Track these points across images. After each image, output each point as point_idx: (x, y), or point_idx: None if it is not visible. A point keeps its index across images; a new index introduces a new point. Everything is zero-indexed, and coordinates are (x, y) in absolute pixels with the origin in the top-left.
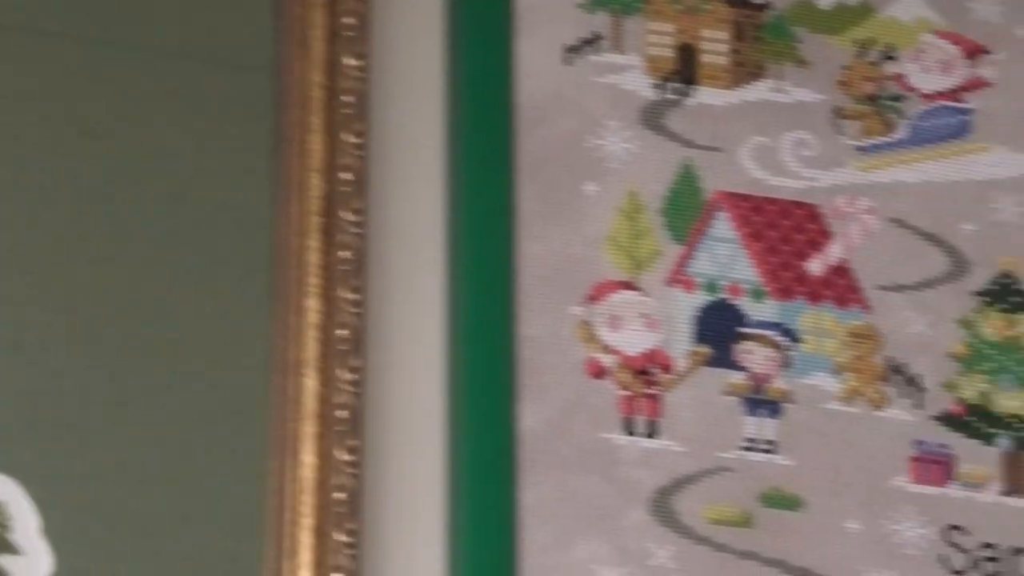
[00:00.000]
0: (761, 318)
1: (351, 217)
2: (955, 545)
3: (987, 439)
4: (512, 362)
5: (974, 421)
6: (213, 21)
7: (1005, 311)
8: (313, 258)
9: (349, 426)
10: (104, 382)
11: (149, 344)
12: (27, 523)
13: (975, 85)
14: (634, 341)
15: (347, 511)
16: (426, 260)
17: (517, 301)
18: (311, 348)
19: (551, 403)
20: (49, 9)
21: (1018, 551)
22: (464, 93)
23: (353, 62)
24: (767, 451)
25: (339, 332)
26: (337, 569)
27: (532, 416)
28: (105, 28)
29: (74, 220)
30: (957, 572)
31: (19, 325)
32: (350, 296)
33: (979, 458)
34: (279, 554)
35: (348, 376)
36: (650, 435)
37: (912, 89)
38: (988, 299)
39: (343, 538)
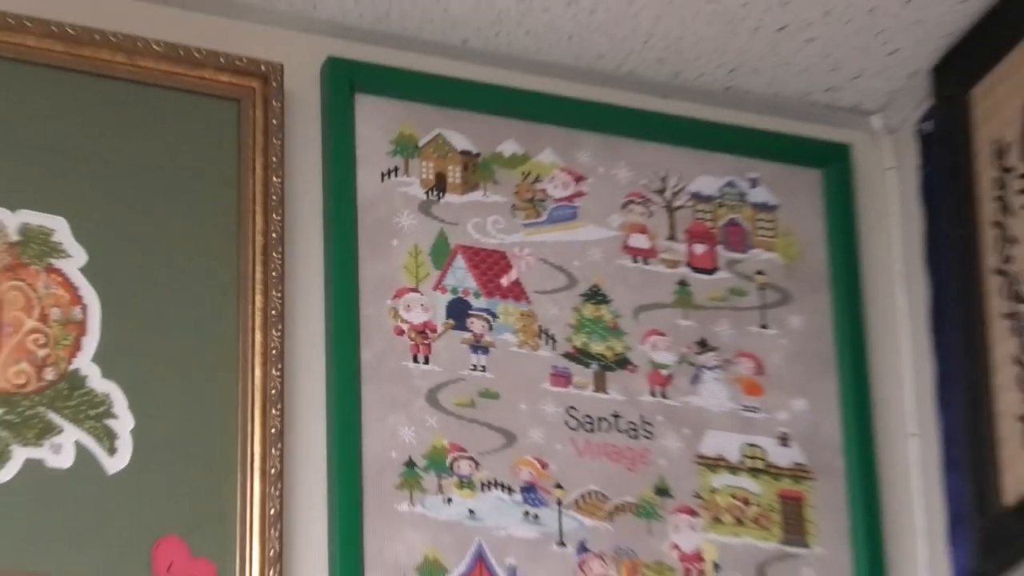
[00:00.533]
0: (479, 306)
1: (277, 256)
2: (572, 416)
3: (586, 365)
4: (358, 328)
5: (580, 356)
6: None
7: (594, 303)
8: (258, 276)
9: (278, 359)
10: None
11: None
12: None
13: (578, 195)
14: (417, 317)
15: (276, 398)
16: (315, 282)
17: (360, 299)
18: (258, 318)
19: (377, 347)
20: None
21: (601, 419)
22: (332, 198)
23: (275, 180)
24: (482, 371)
25: (272, 313)
26: (272, 426)
27: (368, 354)
28: (107, 148)
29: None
30: (572, 428)
31: None
32: (277, 295)
33: (583, 374)
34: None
35: (276, 335)
36: (425, 363)
37: (549, 196)
38: (585, 298)
39: (275, 412)
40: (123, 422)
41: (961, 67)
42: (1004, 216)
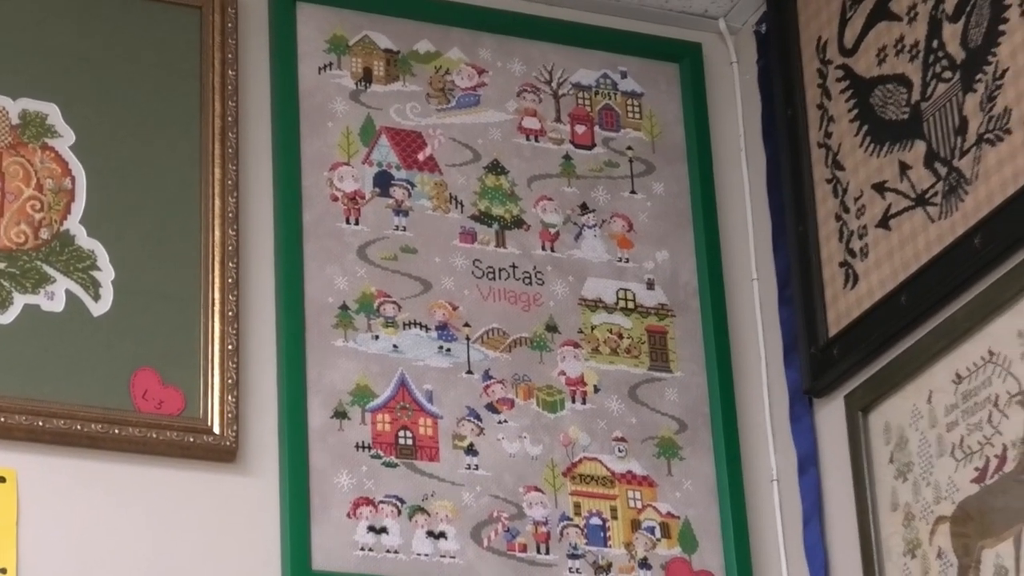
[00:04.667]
0: (399, 177)
1: (232, 137)
2: (478, 267)
3: (488, 224)
4: (299, 195)
5: (484, 218)
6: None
7: (494, 174)
8: (217, 160)
9: (234, 219)
10: None
11: None
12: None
13: (480, 85)
14: (349, 186)
15: (233, 251)
16: (263, 156)
17: (302, 171)
18: (219, 202)
19: (316, 211)
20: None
21: (500, 269)
22: (277, 87)
23: (230, 73)
24: (403, 230)
25: (228, 183)
26: (230, 276)
27: (308, 216)
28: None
29: None
30: (477, 277)
31: None
32: (232, 169)
33: (485, 233)
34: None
35: (232, 201)
36: (356, 224)
37: (456, 86)
38: (487, 169)
39: (231, 265)
40: (106, 274)
41: None
42: (825, 99)
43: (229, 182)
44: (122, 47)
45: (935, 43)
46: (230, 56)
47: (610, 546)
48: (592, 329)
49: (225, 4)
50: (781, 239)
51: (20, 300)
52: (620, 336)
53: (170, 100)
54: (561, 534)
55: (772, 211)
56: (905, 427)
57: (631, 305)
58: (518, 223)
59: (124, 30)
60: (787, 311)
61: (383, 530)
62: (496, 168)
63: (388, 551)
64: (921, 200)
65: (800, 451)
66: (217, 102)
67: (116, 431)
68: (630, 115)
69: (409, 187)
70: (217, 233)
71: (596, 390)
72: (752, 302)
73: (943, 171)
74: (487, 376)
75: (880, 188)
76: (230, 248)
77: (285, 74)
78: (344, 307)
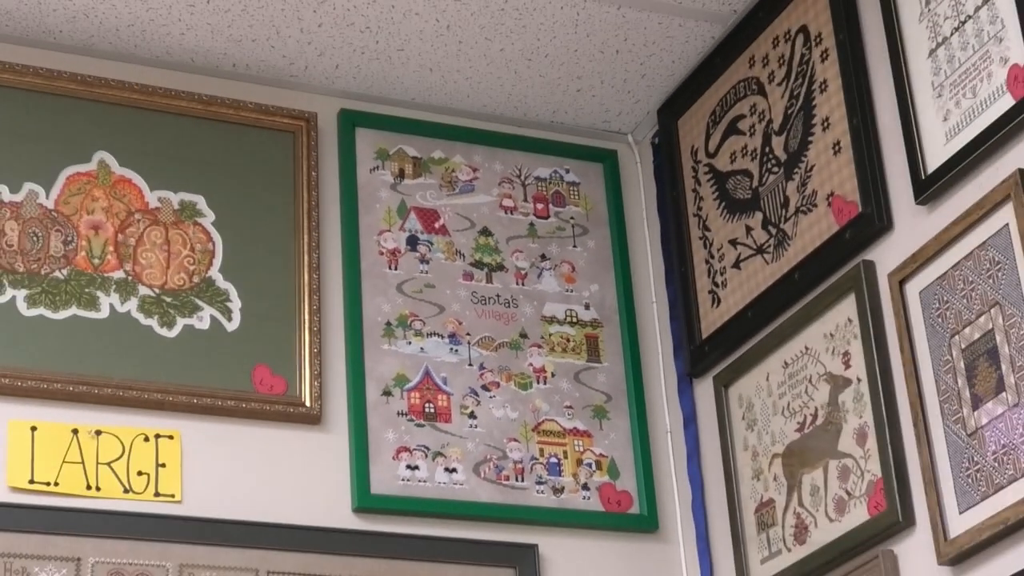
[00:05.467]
0: (423, 239)
1: (314, 214)
2: (475, 296)
3: (480, 269)
4: (359, 252)
5: (478, 264)
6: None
7: (484, 236)
8: (304, 224)
9: (315, 250)
10: None
11: None
12: None
13: (475, 178)
14: (390, 245)
15: (316, 276)
16: (333, 229)
17: (360, 237)
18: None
19: (369, 261)
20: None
21: (488, 297)
22: (343, 184)
23: (312, 175)
24: (425, 273)
25: (312, 234)
26: (314, 269)
27: (364, 265)
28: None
29: None
30: (475, 303)
31: None
32: (314, 236)
33: (481, 274)
34: None
35: (313, 245)
36: (395, 270)
37: (459, 179)
38: (479, 233)
39: (313, 267)
40: (235, 304)
41: (673, 108)
42: (697, 186)
43: (313, 244)
44: (244, 158)
45: (767, 148)
46: (313, 163)
47: (563, 476)
48: (550, 336)
49: (309, 129)
50: (671, 276)
51: (181, 322)
52: (568, 340)
53: (275, 192)
54: (531, 469)
55: (665, 258)
56: (752, 396)
57: (575, 319)
58: (500, 267)
59: (245, 147)
60: (676, 323)
61: (416, 468)
62: (486, 232)
63: (419, 481)
64: (760, 250)
65: (685, 413)
66: (305, 193)
67: (243, 405)
68: (572, 197)
69: (429, 245)
70: (306, 276)
71: (553, 375)
72: (653, 317)
73: (773, 231)
74: (482, 367)
75: (734, 242)
76: (314, 286)
77: (348, 173)
78: (388, 324)
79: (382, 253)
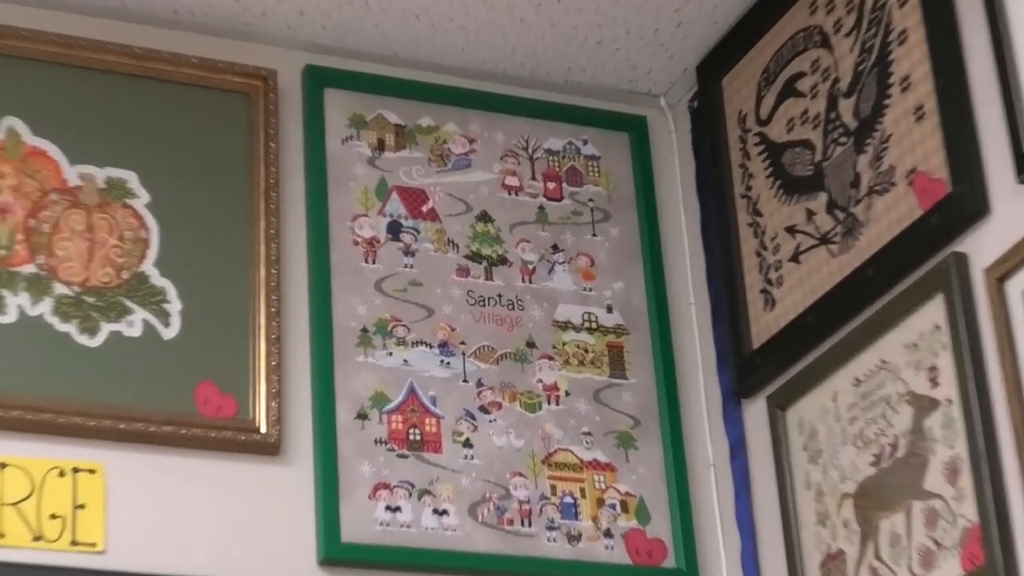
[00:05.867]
0: (407, 225)
1: (273, 196)
2: (471, 297)
3: (479, 263)
4: (328, 241)
5: (475, 257)
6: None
7: (483, 223)
8: (262, 209)
9: (276, 262)
10: None
11: None
12: None
13: (472, 151)
14: (367, 233)
15: (275, 285)
16: (298, 212)
17: (329, 221)
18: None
19: (341, 253)
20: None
21: (489, 297)
22: (310, 155)
23: (271, 144)
24: (410, 268)
25: (271, 231)
26: (273, 293)
27: (335, 257)
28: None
29: None
30: (471, 305)
31: None
32: (271, 225)
33: (477, 269)
34: None
35: (273, 247)
36: (373, 263)
37: (452, 152)
38: (477, 218)
39: (272, 284)
40: (174, 305)
41: (715, 65)
42: (746, 160)
43: (272, 231)
44: (186, 125)
45: (833, 115)
46: (272, 131)
47: (580, 520)
48: (563, 345)
49: (268, 90)
50: (713, 271)
51: (106, 327)
52: (586, 351)
53: (225, 167)
54: (540, 511)
55: (705, 249)
56: (815, 421)
57: (594, 325)
58: (503, 261)
59: (188, 111)
60: (719, 329)
61: (397, 509)
62: (484, 217)
63: (402, 526)
64: (824, 239)
65: (731, 441)
66: (261, 171)
67: (183, 431)
68: (591, 174)
69: (415, 233)
70: (263, 272)
71: (567, 394)
72: (691, 322)
73: (841, 216)
74: (479, 384)
75: (791, 230)
76: (272, 284)
77: (315, 145)
78: (364, 330)
79: (357, 243)
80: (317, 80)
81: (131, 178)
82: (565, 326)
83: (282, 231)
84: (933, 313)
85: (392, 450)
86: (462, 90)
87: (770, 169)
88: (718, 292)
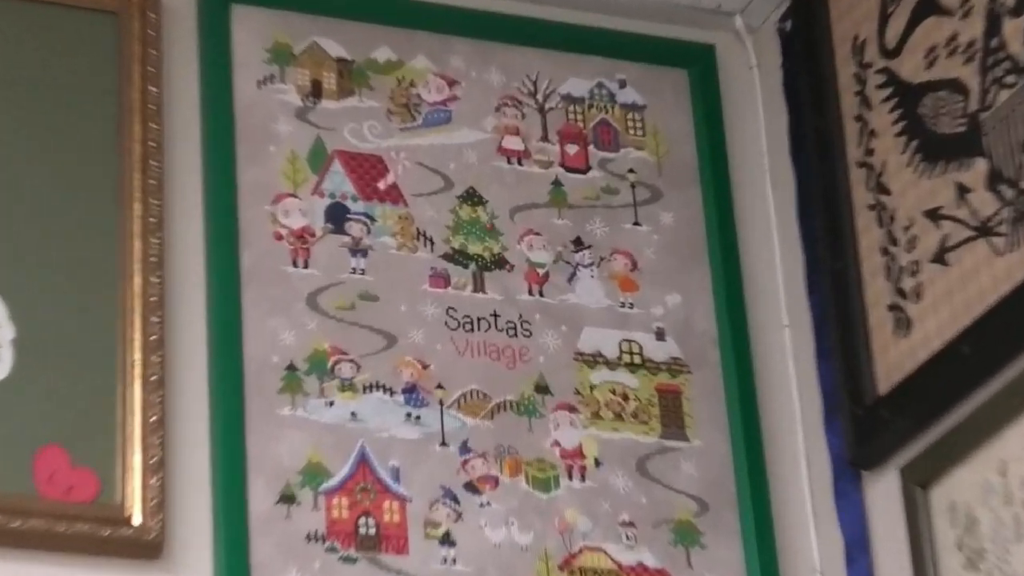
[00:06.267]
0: (356, 210)
1: (155, 164)
2: (452, 317)
3: (465, 265)
4: (237, 233)
5: (458, 257)
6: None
7: (470, 205)
8: (136, 182)
9: (157, 265)
10: None
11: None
12: None
13: (452, 99)
14: (295, 222)
15: (157, 304)
16: (193, 186)
17: (239, 204)
18: (137, 224)
19: (257, 252)
20: None
21: (480, 318)
22: (209, 106)
23: (152, 89)
24: (361, 274)
25: (151, 220)
26: (152, 334)
27: (247, 259)
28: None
29: None
30: (452, 329)
31: None
32: (155, 203)
33: (461, 275)
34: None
35: (155, 242)
36: (305, 267)
37: (423, 100)
38: (462, 199)
39: (155, 319)
40: (4, 332)
41: None
42: (864, 110)
43: (152, 219)
44: (27, 62)
45: (994, 42)
46: (152, 69)
47: None
48: (591, 389)
49: (145, 7)
50: (816, 277)
51: None
52: (625, 398)
53: (82, 123)
54: None
55: (804, 244)
56: (975, 505)
57: (637, 360)
58: (499, 263)
59: (29, 43)
60: (826, 364)
61: None
62: (472, 197)
63: None
64: (984, 229)
65: (847, 536)
66: (137, 124)
67: (16, 524)
68: (631, 131)
69: (368, 222)
70: (138, 281)
71: (597, 464)
72: (783, 353)
73: (1009, 194)
74: (465, 448)
75: (934, 215)
76: (153, 299)
77: (218, 89)
78: (291, 367)
79: (280, 237)
80: None
81: None
82: (594, 361)
83: (167, 219)
84: None
85: (333, 550)
86: (438, 6)
87: (902, 124)
88: (824, 308)
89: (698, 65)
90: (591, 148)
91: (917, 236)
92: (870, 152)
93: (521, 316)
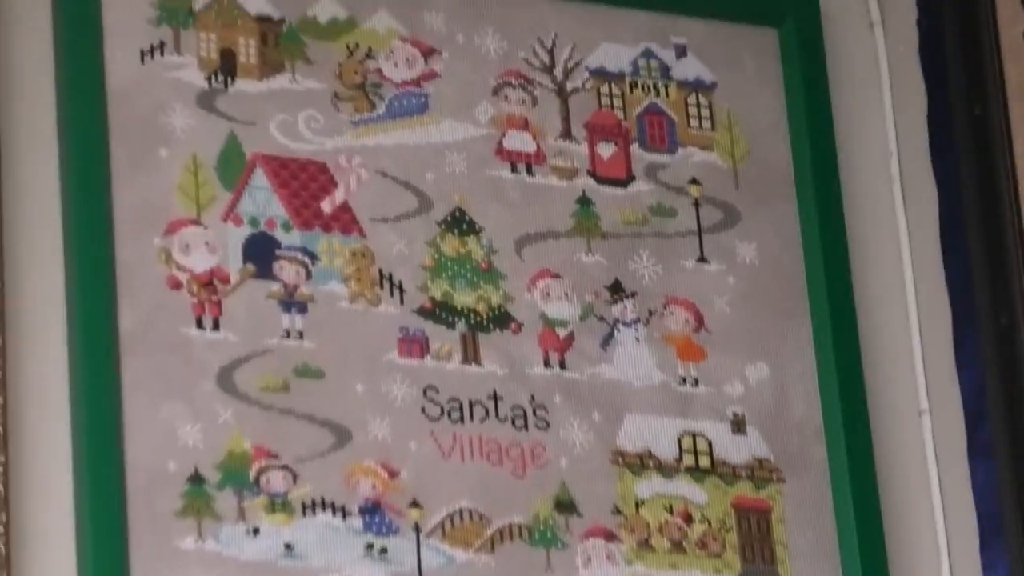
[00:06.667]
0: (290, 243)
1: None
2: (431, 400)
3: (450, 325)
4: (113, 279)
5: (440, 312)
6: None
7: (457, 234)
8: None
9: None
10: None
11: None
12: None
13: (429, 76)
14: (200, 262)
15: None
16: (47, 209)
17: (114, 237)
18: None
19: (142, 307)
20: None
21: (474, 402)
22: (67, 87)
23: None
24: (298, 338)
25: None
26: None
27: (129, 318)
28: None
29: None
30: (433, 418)
31: None
32: None
33: (445, 338)
34: None
35: None
36: (215, 328)
37: (387, 79)
38: (445, 226)
39: None
40: None
41: None
42: None
43: None
44: None
45: None
46: None
47: None
48: (637, 507)
49: None
50: (970, 337)
51: None
52: (688, 518)
53: None
54: None
55: (951, 286)
56: None
57: (705, 462)
58: (501, 320)
59: None
60: (984, 468)
61: None
62: (460, 223)
63: None
64: None
65: None
66: None
67: None
68: (694, 122)
69: (308, 260)
70: None
71: None
72: (921, 452)
73: None
74: None
75: None
76: None
77: (81, 62)
78: (196, 478)
79: (178, 284)
80: None
81: None
82: (641, 465)
83: (8, 263)
84: None
85: None
86: None
87: None
88: (981, 386)
89: (793, 21)
90: (635, 148)
91: None
92: None
93: (534, 399)
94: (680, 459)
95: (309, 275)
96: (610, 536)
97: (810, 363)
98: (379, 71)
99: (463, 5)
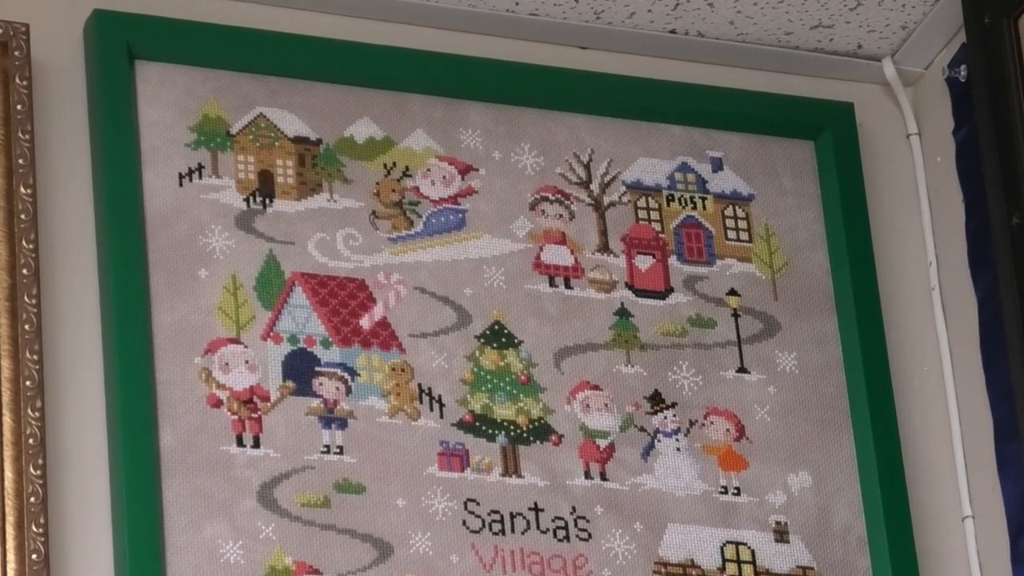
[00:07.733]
0: (329, 360)
1: (30, 301)
2: (472, 512)
3: (490, 438)
4: (153, 399)
5: (480, 426)
6: None
7: (496, 348)
8: (4, 332)
9: (38, 451)
10: None
11: None
12: None
13: (467, 192)
14: (240, 380)
15: (38, 511)
16: (88, 332)
17: (154, 356)
18: (6, 394)
19: (183, 426)
20: None
21: (515, 515)
22: (106, 211)
23: (24, 191)
24: (338, 454)
25: (26, 383)
26: (34, 551)
27: (169, 437)
28: None
29: None
30: (474, 531)
31: None
32: (32, 358)
33: (485, 451)
34: None
35: (34, 415)
36: (255, 446)
37: (424, 197)
38: (484, 340)
39: (36, 531)
40: None
41: None
42: None
43: (27, 383)
44: None
45: None
46: (22, 162)
47: None
48: None
49: (9, 71)
50: (1011, 446)
51: None
52: None
53: None
54: None
55: (993, 399)
56: None
57: (749, 571)
58: (541, 432)
59: None
60: None
61: None
62: (499, 337)
63: None
64: None
65: None
66: (2, 242)
67: None
68: (732, 234)
69: (347, 376)
70: (8, 473)
71: None
72: (965, 560)
73: None
74: None
75: None
76: (32, 500)
77: (119, 186)
78: None
79: (218, 402)
80: (116, 40)
81: None
82: (683, 575)
83: (49, 385)
84: None
85: None
86: (442, 56)
87: None
88: (1020, 495)
89: (830, 134)
90: (672, 260)
91: None
92: None
93: (575, 510)
94: (723, 569)
95: (349, 391)
96: None
97: (853, 471)
98: (416, 189)
99: (499, 123)
